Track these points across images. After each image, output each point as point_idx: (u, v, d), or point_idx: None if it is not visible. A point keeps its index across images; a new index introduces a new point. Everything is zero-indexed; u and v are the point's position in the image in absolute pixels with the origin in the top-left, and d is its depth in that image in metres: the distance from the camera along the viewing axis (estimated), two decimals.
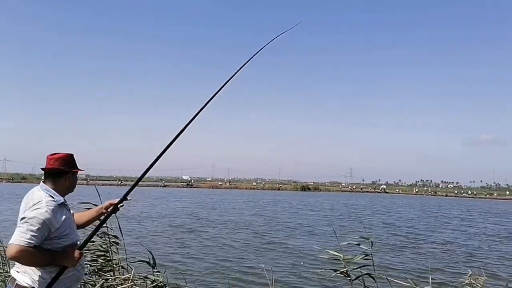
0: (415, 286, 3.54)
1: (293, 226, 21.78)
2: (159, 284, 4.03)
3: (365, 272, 3.67)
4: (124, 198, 2.92)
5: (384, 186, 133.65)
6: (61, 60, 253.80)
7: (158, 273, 4.09)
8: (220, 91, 3.16)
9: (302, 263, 11.88)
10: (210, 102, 3.13)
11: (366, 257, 3.70)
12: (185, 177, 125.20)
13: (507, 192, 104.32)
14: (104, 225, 3.29)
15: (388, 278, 3.87)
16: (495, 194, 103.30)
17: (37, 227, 2.47)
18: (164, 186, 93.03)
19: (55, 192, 2.72)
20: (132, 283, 4.01)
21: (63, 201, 2.74)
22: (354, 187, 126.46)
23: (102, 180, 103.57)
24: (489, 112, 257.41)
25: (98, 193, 4.03)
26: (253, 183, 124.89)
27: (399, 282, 3.63)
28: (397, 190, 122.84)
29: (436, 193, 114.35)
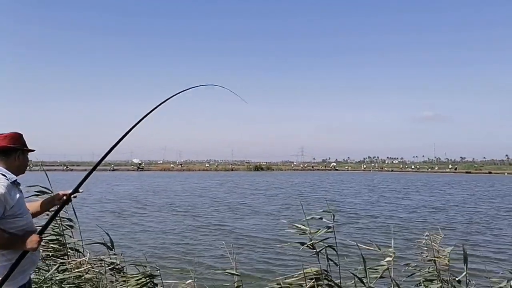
0: (378, 249, 3.71)
1: (237, 207, 21.81)
2: (117, 266, 4.06)
3: (327, 245, 3.81)
4: (76, 189, 2.84)
5: (334, 164, 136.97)
6: None
7: (115, 256, 4.10)
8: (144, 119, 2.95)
9: (242, 243, 11.96)
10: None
11: (328, 230, 3.84)
12: (135, 161, 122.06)
13: (450, 166, 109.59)
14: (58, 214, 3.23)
15: (349, 245, 4.04)
16: (436, 168, 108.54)
17: None
18: (114, 170, 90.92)
19: (7, 171, 2.64)
20: (89, 265, 4.03)
21: (16, 179, 2.66)
22: (305, 165, 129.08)
23: (46, 165, 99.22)
24: (429, 90, 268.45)
25: (48, 178, 3.96)
26: (206, 165, 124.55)
27: (364, 247, 3.79)
28: (347, 167, 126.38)
29: (382, 168, 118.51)
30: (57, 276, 3.85)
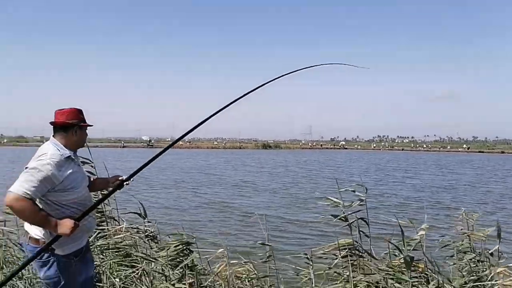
0: (411, 223, 3.73)
1: (247, 185, 21.67)
2: (151, 234, 4.18)
3: (359, 217, 3.85)
4: (132, 176, 2.96)
5: (343, 143, 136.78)
6: None
7: (149, 223, 4.20)
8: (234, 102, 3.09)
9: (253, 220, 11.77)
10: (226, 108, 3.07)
11: (361, 203, 3.88)
12: (144, 138, 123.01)
13: (464, 146, 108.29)
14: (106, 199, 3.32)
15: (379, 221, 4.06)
16: (449, 147, 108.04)
17: (37, 178, 2.49)
18: (124, 146, 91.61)
19: (63, 146, 2.75)
20: (127, 232, 4.15)
21: (70, 154, 2.76)
22: (314, 144, 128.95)
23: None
24: (444, 68, 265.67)
25: (89, 152, 4.04)
26: (214, 143, 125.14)
27: (394, 221, 3.80)
28: (356, 146, 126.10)
29: (393, 147, 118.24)
30: (97, 242, 3.99)
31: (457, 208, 14.01)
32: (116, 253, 4.06)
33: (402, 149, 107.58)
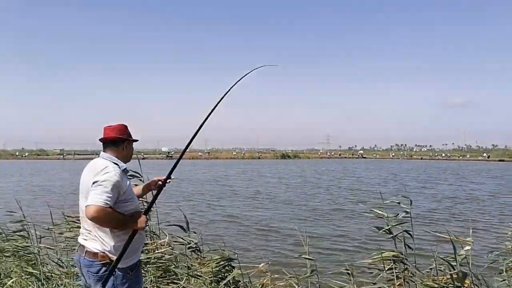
0: (456, 238, 3.63)
1: (268, 197, 21.04)
2: (194, 246, 4.15)
3: (404, 229, 3.78)
4: (169, 175, 3.09)
5: (362, 152, 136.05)
6: None
7: (194, 234, 4.19)
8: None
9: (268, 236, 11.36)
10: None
11: (405, 216, 3.81)
12: (164, 149, 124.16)
13: (484, 154, 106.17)
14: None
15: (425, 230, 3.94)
16: (468, 156, 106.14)
17: (110, 188, 2.61)
18: (144, 158, 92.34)
19: (118, 160, 2.90)
20: (170, 247, 4.14)
21: (125, 167, 2.92)
22: (332, 153, 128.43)
23: (78, 154, 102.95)
24: (460, 76, 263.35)
25: (140, 166, 4.10)
26: (233, 153, 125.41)
27: (441, 235, 3.71)
28: (374, 155, 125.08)
29: (411, 156, 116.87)
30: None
31: (481, 221, 13.71)
32: (157, 268, 4.05)
33: (421, 158, 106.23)
